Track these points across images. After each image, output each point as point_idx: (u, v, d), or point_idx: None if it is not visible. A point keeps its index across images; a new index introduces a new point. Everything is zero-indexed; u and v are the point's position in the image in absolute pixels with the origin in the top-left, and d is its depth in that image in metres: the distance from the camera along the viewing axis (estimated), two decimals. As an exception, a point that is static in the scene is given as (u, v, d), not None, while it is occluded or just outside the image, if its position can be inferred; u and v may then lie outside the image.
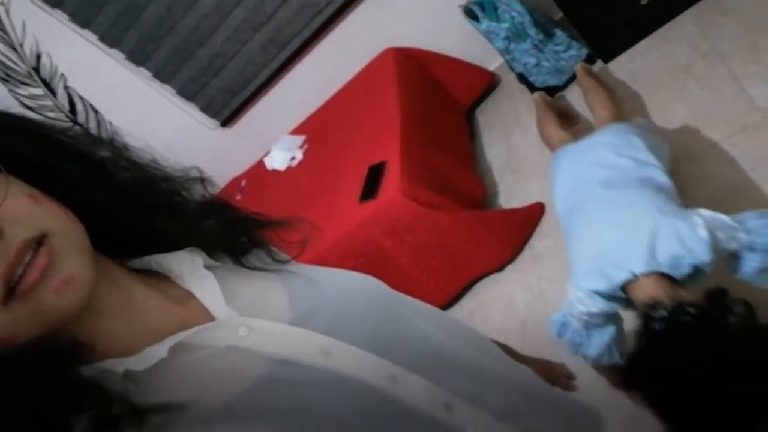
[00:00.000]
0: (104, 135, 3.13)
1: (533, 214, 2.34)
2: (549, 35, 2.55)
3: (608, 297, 1.39)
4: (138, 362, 0.46)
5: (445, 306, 2.36)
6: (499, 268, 2.32)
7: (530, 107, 2.50)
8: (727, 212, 1.38)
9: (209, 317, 0.53)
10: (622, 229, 1.41)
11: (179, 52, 3.05)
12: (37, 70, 3.14)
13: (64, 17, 2.97)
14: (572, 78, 2.59)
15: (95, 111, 3.32)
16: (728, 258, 1.37)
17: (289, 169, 3.08)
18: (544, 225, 2.32)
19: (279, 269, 0.61)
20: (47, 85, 3.19)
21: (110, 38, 3.02)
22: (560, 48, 2.56)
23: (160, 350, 0.47)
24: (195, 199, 0.59)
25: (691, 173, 1.94)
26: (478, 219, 2.26)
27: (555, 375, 0.96)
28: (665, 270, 1.32)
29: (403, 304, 0.67)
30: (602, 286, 1.37)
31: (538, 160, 2.46)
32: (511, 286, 2.26)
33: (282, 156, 3.12)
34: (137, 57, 3.09)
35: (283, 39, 3.00)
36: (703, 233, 1.29)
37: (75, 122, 3.26)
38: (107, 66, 3.11)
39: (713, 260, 1.31)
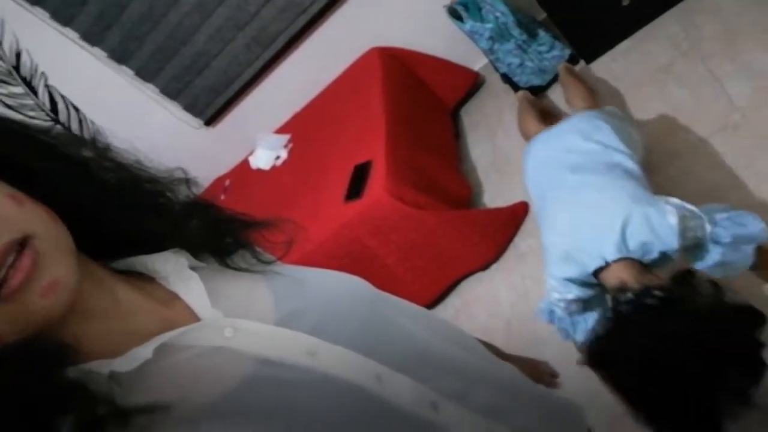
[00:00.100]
0: (86, 134, 3.10)
1: (517, 214, 2.35)
2: (532, 36, 2.57)
3: (582, 283, 1.42)
4: (123, 363, 0.46)
5: (431, 305, 2.37)
6: (484, 267, 2.33)
7: (514, 107, 2.51)
8: (707, 210, 1.41)
9: (194, 318, 0.53)
10: (593, 217, 1.43)
11: (162, 50, 3.03)
12: (17, 68, 3.10)
13: (45, 15, 2.93)
14: (555, 78, 2.61)
15: (77, 110, 3.28)
16: (692, 247, 1.40)
17: (273, 168, 3.07)
18: (528, 224, 2.33)
19: (264, 270, 0.61)
20: (28, 84, 3.14)
21: (92, 36, 2.99)
22: (543, 48, 2.58)
23: (144, 351, 0.47)
24: (179, 200, 0.58)
25: (672, 172, 1.97)
26: (463, 218, 2.28)
27: (539, 373, 0.97)
28: (635, 256, 1.34)
29: (388, 303, 0.67)
30: (574, 273, 1.40)
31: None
32: (496, 285, 2.28)
33: (267, 155, 3.11)
34: (119, 55, 3.06)
35: (267, 38, 2.99)
36: (673, 220, 1.32)
37: (56, 121, 3.22)
38: (89, 64, 3.08)
39: (680, 247, 1.34)
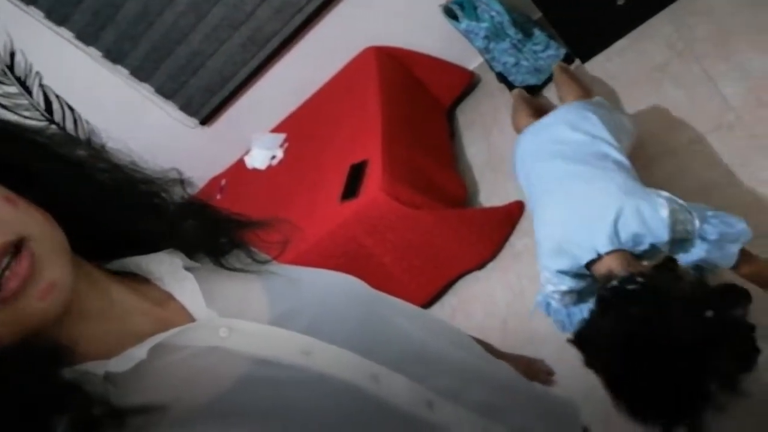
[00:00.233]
0: (81, 134, 3.10)
1: (513, 213, 2.36)
2: (528, 35, 2.58)
3: (575, 275, 1.43)
4: (118, 364, 0.46)
5: (427, 304, 2.37)
6: (480, 266, 2.34)
7: (510, 106, 2.52)
8: (702, 208, 1.43)
9: (189, 318, 0.53)
10: (585, 209, 1.44)
11: (157, 50, 3.02)
12: (11, 68, 3.09)
13: (39, 15, 2.92)
14: (551, 77, 2.62)
15: (72, 110, 3.27)
16: (679, 241, 1.41)
17: (269, 168, 3.07)
18: (524, 223, 2.34)
19: (259, 270, 0.61)
20: (22, 84, 3.13)
21: (86, 36, 2.98)
22: (539, 47, 2.59)
23: (139, 352, 0.47)
24: (174, 201, 0.58)
25: (667, 170, 1.98)
26: (459, 218, 2.28)
27: (534, 371, 0.98)
28: (626, 247, 1.36)
29: (384, 303, 0.68)
30: (567, 265, 1.41)
31: (518, 158, 2.49)
32: (492, 284, 2.28)
33: (262, 155, 3.11)
34: (114, 55, 3.05)
35: (262, 37, 2.99)
36: (664, 213, 1.34)
37: (51, 121, 3.21)
38: (84, 64, 3.07)
39: (670, 240, 1.36)
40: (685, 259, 1.40)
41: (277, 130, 3.24)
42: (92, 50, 3.04)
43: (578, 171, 1.55)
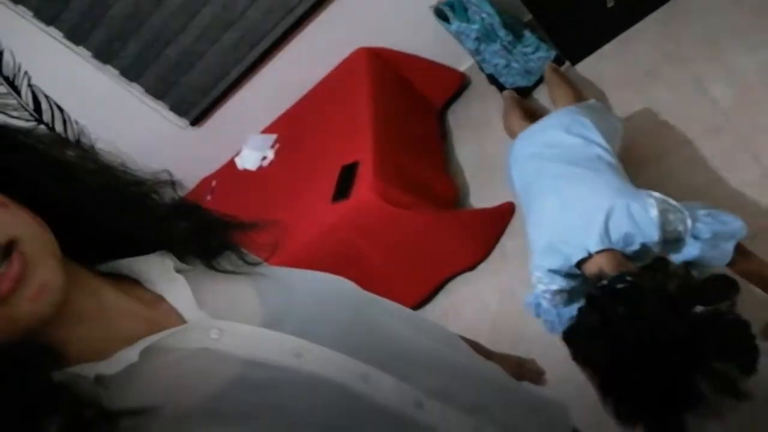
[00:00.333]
0: (70, 135, 3.07)
1: (504, 214, 2.37)
2: (518, 37, 2.59)
3: (566, 275, 1.44)
4: (109, 366, 0.46)
5: (419, 305, 2.37)
6: (471, 267, 2.34)
7: (500, 108, 2.53)
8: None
9: (180, 320, 0.53)
10: (576, 208, 1.45)
11: (147, 50, 3.01)
12: (-1, 67, 3.06)
13: (28, 13, 2.90)
14: (541, 79, 2.63)
15: (61, 110, 3.24)
16: (673, 241, 1.42)
17: (260, 169, 3.06)
18: (515, 224, 2.35)
19: (250, 271, 0.61)
20: (10, 83, 3.10)
21: (76, 35, 2.97)
22: (529, 49, 2.60)
23: (131, 354, 0.47)
24: (165, 202, 0.58)
25: (655, 172, 1.99)
26: (451, 219, 2.29)
27: (524, 371, 0.98)
28: (617, 246, 1.36)
29: (374, 304, 0.68)
30: (558, 264, 1.42)
31: (509, 159, 2.50)
32: (483, 285, 2.29)
33: (253, 155, 3.10)
34: (104, 55, 3.04)
35: (253, 38, 2.98)
36: (654, 213, 1.35)
37: (40, 121, 3.19)
38: (73, 64, 3.05)
39: (661, 239, 1.36)
40: (679, 258, 1.41)
41: (267, 131, 3.23)
42: (81, 50, 3.02)
43: (571, 172, 1.56)
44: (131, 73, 3.10)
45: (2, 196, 0.46)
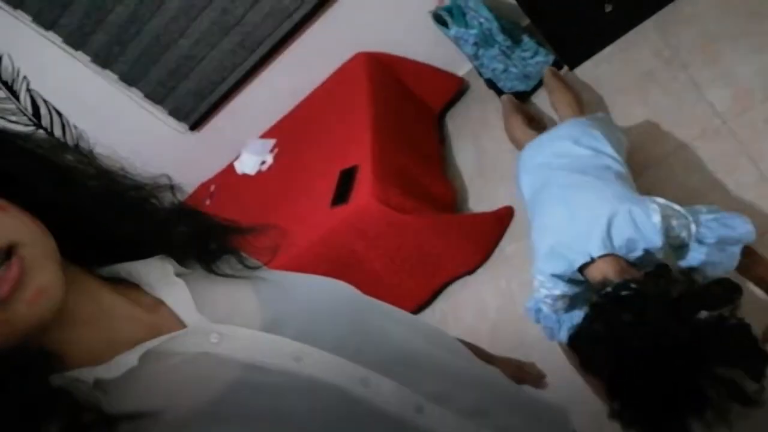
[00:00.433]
0: (69, 139, 3.07)
1: (503, 218, 2.37)
2: (516, 41, 2.59)
3: (568, 280, 1.43)
4: (108, 371, 0.46)
5: (418, 309, 2.37)
6: (471, 271, 2.34)
7: (499, 112, 2.53)
8: (688, 214, 1.43)
9: (180, 324, 0.53)
10: (580, 214, 1.45)
11: (146, 54, 3.01)
12: (-3, 72, 3.07)
13: (27, 18, 2.90)
14: (539, 84, 2.64)
15: (60, 114, 3.24)
16: (678, 247, 1.42)
17: (259, 173, 3.06)
18: (514, 228, 2.35)
19: (249, 275, 0.61)
20: (9, 88, 3.10)
21: (75, 40, 2.97)
22: (527, 54, 2.61)
23: (130, 358, 0.47)
24: (165, 207, 0.58)
25: (653, 176, 2.00)
26: (450, 223, 2.29)
27: (524, 374, 0.98)
28: (620, 252, 1.36)
29: (374, 308, 0.68)
30: (561, 269, 1.41)
31: (507, 164, 2.50)
32: (482, 289, 2.29)
33: (252, 160, 3.10)
34: (103, 59, 3.04)
35: (252, 42, 2.99)
36: (656, 218, 1.35)
37: (38, 126, 3.19)
38: (72, 68, 3.05)
39: (664, 245, 1.36)
40: (686, 263, 1.41)
41: (266, 135, 3.23)
42: (81, 54, 3.03)
43: (579, 181, 1.57)
44: (130, 77, 3.11)
45: (2, 200, 0.46)
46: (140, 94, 3.17)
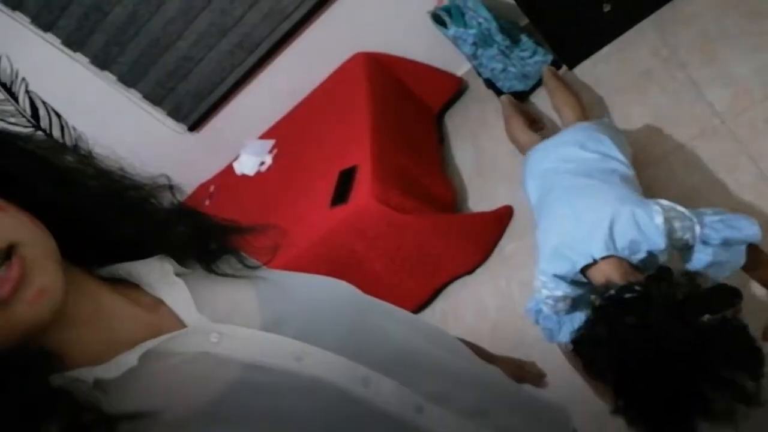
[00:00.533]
0: (68, 141, 3.07)
1: (502, 217, 2.37)
2: (515, 41, 2.59)
3: (571, 281, 1.43)
4: (108, 371, 0.46)
5: (418, 309, 2.37)
6: (470, 271, 2.34)
7: (498, 112, 2.53)
8: (687, 212, 1.43)
9: (180, 324, 0.53)
10: (585, 217, 1.46)
11: (145, 55, 3.01)
12: (-4, 74, 3.06)
13: (25, 20, 2.90)
14: (538, 83, 2.64)
15: (58, 116, 3.24)
16: (683, 248, 1.42)
17: (258, 174, 3.06)
18: (513, 227, 2.35)
19: (249, 275, 0.61)
20: (8, 90, 3.10)
21: (74, 42, 2.97)
22: (526, 54, 2.61)
23: (130, 358, 0.47)
24: (164, 207, 0.58)
25: (653, 176, 2.00)
26: (449, 222, 2.29)
27: (525, 373, 0.98)
28: (622, 254, 1.36)
29: (374, 307, 0.68)
30: (564, 269, 1.41)
31: (506, 163, 2.50)
32: (482, 289, 2.29)
33: (251, 161, 3.10)
34: (102, 61, 3.04)
35: (251, 43, 2.99)
36: (659, 220, 1.35)
37: (37, 127, 3.18)
38: (71, 70, 3.05)
39: (668, 247, 1.36)
40: (693, 266, 1.40)
41: (265, 136, 3.23)
42: (79, 56, 3.03)
43: (584, 184, 1.57)
44: (129, 78, 3.11)
45: (2, 200, 0.46)
46: (139, 95, 3.17)
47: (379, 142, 2.38)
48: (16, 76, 3.10)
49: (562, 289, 1.45)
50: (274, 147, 3.10)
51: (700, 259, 1.40)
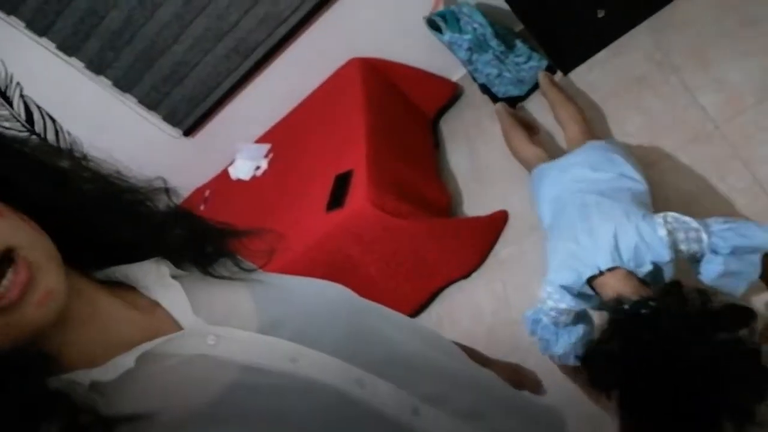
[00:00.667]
0: (62, 145, 3.06)
1: (497, 222, 2.37)
2: (510, 47, 2.61)
3: (577, 294, 1.44)
4: (105, 373, 0.46)
5: (414, 313, 2.37)
6: (466, 275, 2.34)
7: (493, 117, 2.54)
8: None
9: (176, 327, 0.53)
10: (593, 231, 1.47)
11: (140, 60, 3.01)
12: (-9, 78, 3.06)
13: (20, 24, 2.90)
14: (533, 88, 2.65)
15: (53, 120, 3.24)
16: (692, 260, 1.42)
17: (254, 178, 3.06)
18: (508, 232, 2.36)
19: (246, 278, 0.61)
20: (2, 94, 3.10)
21: (68, 46, 2.96)
22: (521, 59, 2.62)
23: (126, 360, 0.47)
24: (160, 210, 0.59)
25: (648, 180, 2.00)
26: (445, 227, 2.29)
27: (521, 377, 0.98)
28: (628, 266, 1.37)
29: (370, 310, 0.68)
30: (570, 280, 1.42)
31: (501, 168, 2.51)
32: (478, 293, 2.29)
33: (247, 165, 3.10)
34: (97, 66, 3.03)
35: (246, 48, 2.99)
36: (662, 232, 1.35)
37: (32, 132, 3.18)
38: (66, 75, 3.04)
39: (673, 260, 1.37)
40: (706, 277, 1.38)
41: (261, 140, 3.23)
42: (74, 61, 3.02)
43: (595, 200, 1.58)
44: (124, 83, 3.10)
45: (-1, 204, 0.46)
46: (134, 100, 3.16)
47: (374, 147, 2.39)
48: (11, 81, 3.09)
49: (567, 302, 1.45)
50: (269, 151, 3.10)
51: (711, 269, 1.37)
